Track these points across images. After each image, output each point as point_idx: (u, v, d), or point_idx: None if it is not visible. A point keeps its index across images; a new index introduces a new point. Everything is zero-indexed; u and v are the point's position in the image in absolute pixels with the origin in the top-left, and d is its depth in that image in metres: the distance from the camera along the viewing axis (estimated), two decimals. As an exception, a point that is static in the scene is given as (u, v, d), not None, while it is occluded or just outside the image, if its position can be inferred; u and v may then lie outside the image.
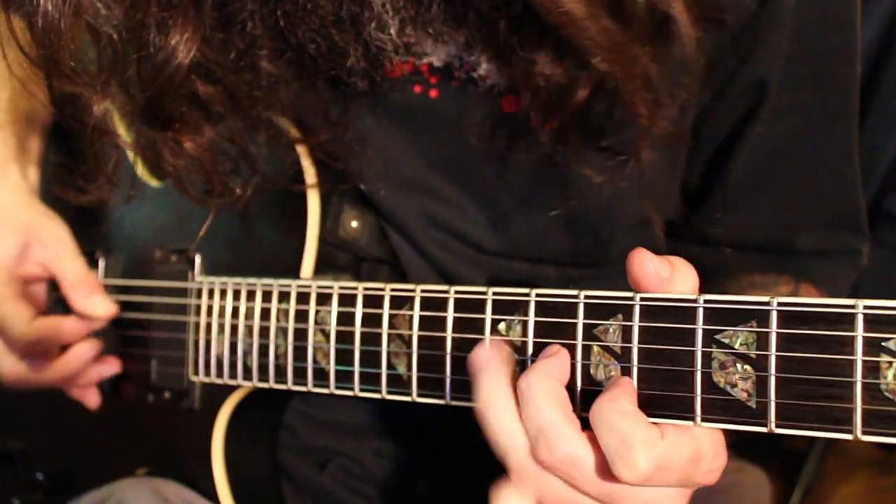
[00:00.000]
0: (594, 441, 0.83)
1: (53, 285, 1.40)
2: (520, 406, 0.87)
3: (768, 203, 1.26)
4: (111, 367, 1.39)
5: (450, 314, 1.00)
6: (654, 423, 0.84)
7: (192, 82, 1.15)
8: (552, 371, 0.87)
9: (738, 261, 1.29)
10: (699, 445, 0.84)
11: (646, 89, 1.02)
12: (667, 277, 0.86)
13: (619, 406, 0.82)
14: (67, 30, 1.08)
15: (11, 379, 1.38)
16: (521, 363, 0.94)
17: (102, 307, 1.35)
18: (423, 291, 1.03)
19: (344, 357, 1.10)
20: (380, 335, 1.06)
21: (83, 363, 1.36)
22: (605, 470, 0.82)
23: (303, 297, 1.14)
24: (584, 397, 0.90)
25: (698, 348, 0.84)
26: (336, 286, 1.10)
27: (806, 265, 1.27)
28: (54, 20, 1.07)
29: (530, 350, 0.94)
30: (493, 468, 0.90)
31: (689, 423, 0.84)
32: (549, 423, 0.84)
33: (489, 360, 0.91)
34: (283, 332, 1.16)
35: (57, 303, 1.39)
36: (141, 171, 1.40)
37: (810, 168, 1.24)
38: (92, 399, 1.40)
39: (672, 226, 1.34)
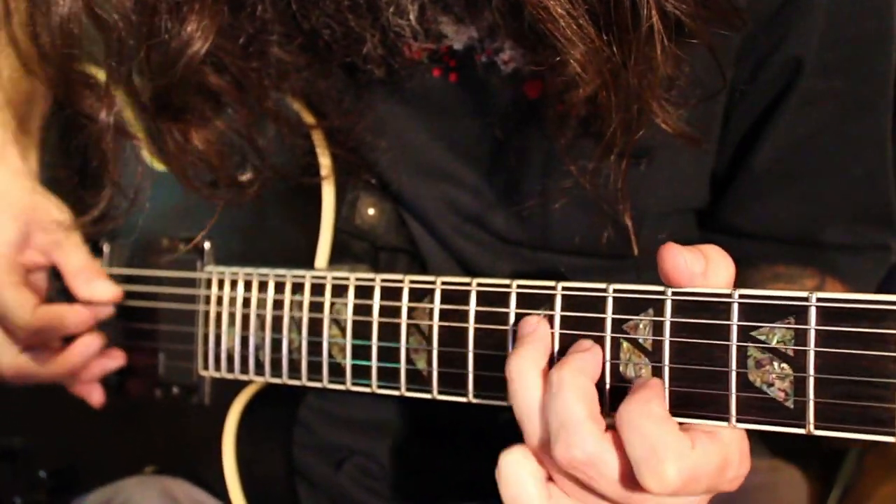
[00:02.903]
0: (618, 443, 0.83)
1: (56, 274, 1.41)
2: (546, 395, 0.86)
3: (795, 193, 1.26)
4: (115, 360, 1.40)
5: (472, 308, 1.01)
6: (683, 425, 0.84)
7: (202, 71, 1.15)
8: (584, 367, 0.87)
9: (762, 251, 1.29)
10: (727, 452, 0.84)
11: (657, 89, 1.02)
12: (700, 273, 0.86)
13: (649, 410, 0.82)
14: (81, 31, 1.10)
15: (11, 373, 1.40)
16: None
17: (106, 291, 1.37)
18: (443, 283, 1.03)
19: (361, 352, 1.10)
20: (398, 329, 1.07)
21: (87, 356, 1.38)
22: (626, 475, 0.82)
23: (317, 289, 1.15)
24: (612, 397, 0.90)
25: (733, 345, 0.84)
26: (352, 277, 1.11)
27: (832, 259, 1.28)
28: (69, 20, 1.08)
29: (556, 346, 0.94)
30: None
31: (724, 423, 0.84)
32: (573, 420, 0.83)
33: (534, 330, 0.92)
34: (296, 325, 1.16)
35: (59, 293, 1.40)
36: (148, 155, 1.40)
37: (840, 159, 1.24)
38: (95, 396, 1.41)
39: (697, 214, 1.35)
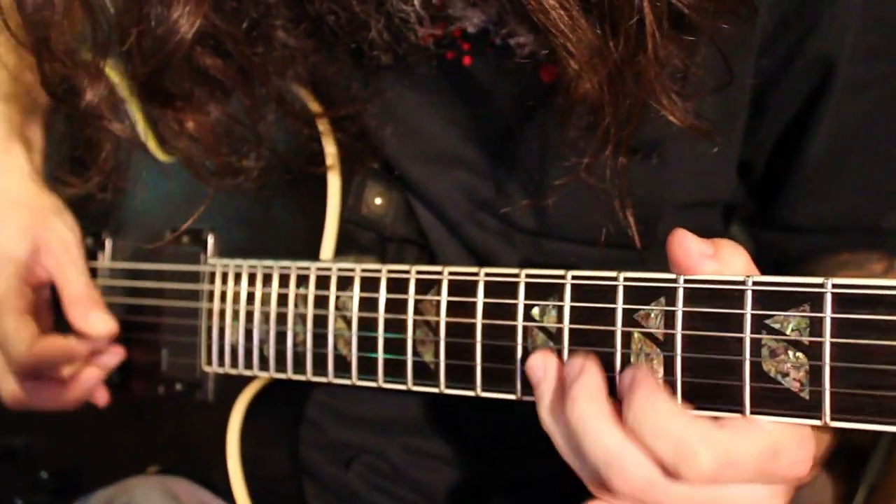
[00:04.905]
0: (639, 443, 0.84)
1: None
2: (575, 439, 0.88)
3: (852, 183, 1.25)
4: (115, 355, 1.41)
5: (479, 298, 1.01)
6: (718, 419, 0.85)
7: (200, 56, 1.16)
8: (594, 390, 0.88)
9: (824, 244, 1.29)
10: (773, 437, 0.84)
11: (665, 81, 1.02)
12: (711, 255, 0.86)
13: (658, 407, 0.83)
14: (60, 7, 1.11)
15: (11, 401, 1.40)
16: (556, 352, 0.95)
17: (100, 326, 1.37)
18: (451, 274, 1.04)
19: (367, 344, 1.11)
20: (405, 321, 1.07)
21: (87, 391, 1.39)
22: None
23: (322, 281, 1.15)
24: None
25: (747, 334, 0.84)
26: (358, 269, 1.12)
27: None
28: None
29: (566, 338, 0.95)
30: (532, 466, 0.92)
31: (737, 415, 0.85)
32: (614, 455, 0.85)
33: (544, 376, 0.92)
34: (301, 318, 1.17)
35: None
36: (151, 146, 1.41)
37: (894, 143, 1.24)
38: (100, 396, 1.42)
39: (751, 212, 1.36)
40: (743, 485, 0.85)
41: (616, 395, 0.90)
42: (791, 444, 0.85)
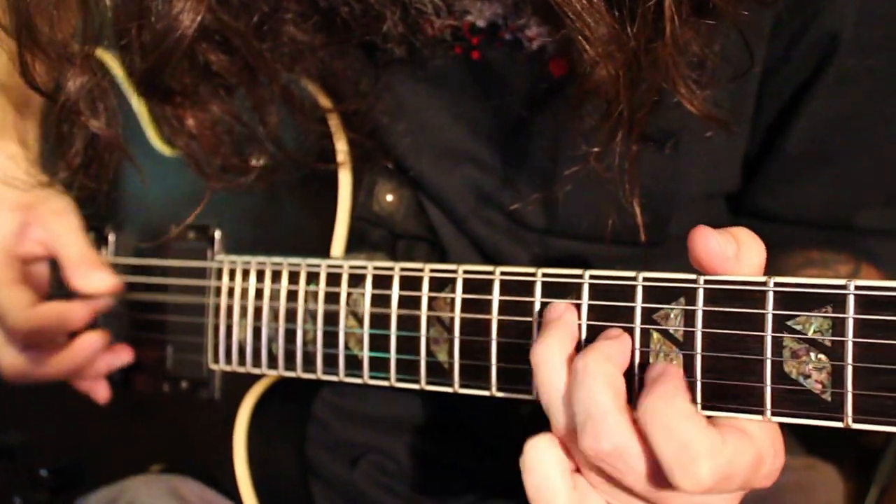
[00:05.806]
0: (642, 437, 0.84)
1: (56, 266, 1.43)
2: (571, 384, 0.87)
3: (828, 176, 1.26)
4: (122, 356, 1.42)
5: (495, 297, 1.01)
6: (712, 419, 0.85)
7: (204, 52, 1.16)
8: (612, 355, 0.88)
9: (794, 236, 1.30)
10: (760, 447, 0.85)
11: (683, 69, 1.03)
12: (733, 256, 0.86)
13: (676, 406, 0.82)
14: None
15: (11, 373, 1.41)
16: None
17: (103, 282, 1.38)
18: (465, 272, 1.04)
19: (379, 343, 1.11)
20: (418, 319, 1.08)
21: (90, 355, 1.39)
22: (655, 470, 0.83)
23: (333, 278, 1.15)
24: (641, 388, 0.89)
25: (768, 335, 0.85)
26: (370, 266, 1.12)
27: (867, 244, 1.28)
28: None
29: (583, 336, 0.94)
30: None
31: (758, 416, 0.85)
32: (600, 410, 0.84)
33: (560, 316, 0.92)
34: (311, 315, 1.17)
35: (61, 285, 1.42)
36: (154, 138, 1.41)
37: (875, 140, 1.24)
38: (101, 392, 1.43)
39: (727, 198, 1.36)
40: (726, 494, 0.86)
41: (633, 395, 0.90)
42: (770, 453, 0.86)
